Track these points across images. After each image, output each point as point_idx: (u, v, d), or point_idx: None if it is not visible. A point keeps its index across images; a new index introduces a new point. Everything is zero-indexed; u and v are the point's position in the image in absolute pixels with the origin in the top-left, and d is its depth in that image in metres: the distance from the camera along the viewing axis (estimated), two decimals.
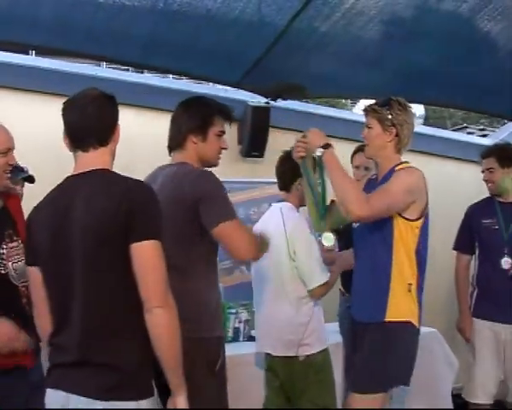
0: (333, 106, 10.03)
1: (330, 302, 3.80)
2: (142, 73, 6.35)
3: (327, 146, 2.98)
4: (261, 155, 5.14)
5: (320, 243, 3.30)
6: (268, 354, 3.53)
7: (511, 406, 4.26)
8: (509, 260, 4.11)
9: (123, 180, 2.21)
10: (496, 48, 3.96)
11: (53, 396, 2.18)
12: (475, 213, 4.35)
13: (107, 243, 2.12)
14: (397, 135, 3.03)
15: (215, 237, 2.68)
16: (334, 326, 4.26)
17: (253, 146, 5.10)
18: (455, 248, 4.45)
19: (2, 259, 2.69)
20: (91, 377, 2.11)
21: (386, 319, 2.96)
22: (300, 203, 3.50)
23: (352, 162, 4.08)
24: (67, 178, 2.28)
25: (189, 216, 2.67)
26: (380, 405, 2.97)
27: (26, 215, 2.48)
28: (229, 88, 4.89)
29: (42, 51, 4.76)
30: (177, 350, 2.16)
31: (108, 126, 2.28)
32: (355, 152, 4.02)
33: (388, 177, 3.01)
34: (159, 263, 2.13)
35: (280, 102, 4.93)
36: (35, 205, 2.32)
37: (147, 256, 2.12)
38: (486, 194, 4.34)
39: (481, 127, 9.76)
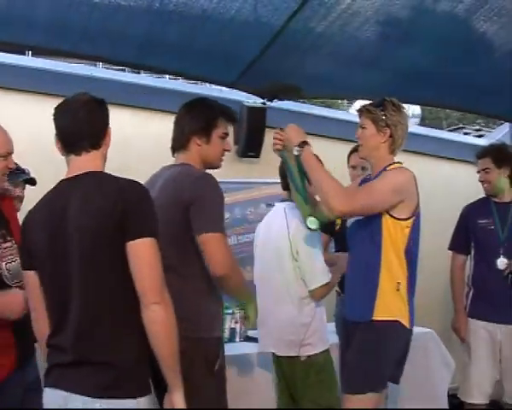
0: (329, 106, 10.04)
1: (327, 303, 3.78)
2: (138, 73, 6.35)
3: (303, 144, 2.99)
4: (257, 156, 5.14)
5: (307, 227, 3.30)
6: (274, 355, 3.55)
7: (507, 406, 4.25)
8: (505, 260, 4.12)
9: (115, 180, 2.23)
10: (492, 48, 3.96)
11: (52, 396, 2.20)
12: (471, 213, 4.36)
13: (104, 243, 2.14)
14: (391, 136, 3.04)
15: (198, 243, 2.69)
16: (331, 326, 4.26)
17: (249, 146, 5.10)
18: (450, 249, 4.46)
19: None
20: (90, 376, 2.13)
21: (374, 318, 2.95)
22: None
23: (348, 162, 4.09)
24: (61, 181, 2.31)
25: (186, 217, 2.68)
26: (374, 405, 2.96)
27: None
28: (224, 88, 4.89)
29: (38, 52, 4.76)
30: (174, 347, 2.18)
31: (100, 130, 2.32)
32: (351, 152, 4.02)
33: (379, 176, 3.03)
34: (154, 260, 2.16)
35: (276, 103, 4.94)
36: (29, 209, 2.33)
37: (142, 254, 2.14)
38: (482, 194, 4.34)
39: (477, 128, 9.78)
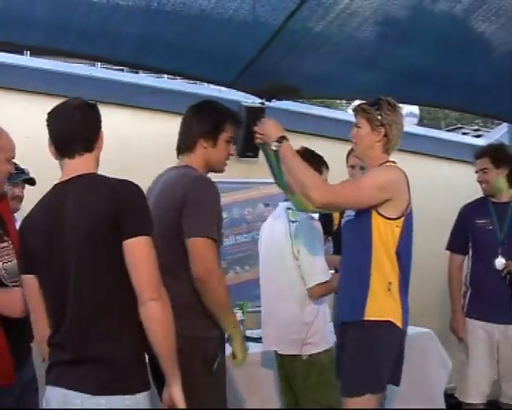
0: (327, 106, 10.05)
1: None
2: (137, 73, 6.35)
3: (281, 139, 2.99)
4: (255, 156, 5.11)
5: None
6: (276, 353, 3.55)
7: (504, 405, 4.26)
8: (503, 260, 4.13)
9: (108, 181, 2.26)
10: (490, 48, 3.96)
11: (53, 393, 2.23)
12: (469, 213, 4.36)
13: (100, 243, 2.17)
14: (385, 135, 3.04)
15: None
16: (329, 326, 4.26)
17: (248, 146, 5.06)
18: (448, 249, 4.46)
19: None
20: (89, 374, 2.15)
21: (365, 318, 2.95)
22: None
23: (347, 162, 4.09)
24: (56, 185, 2.34)
25: (180, 219, 2.68)
26: (371, 406, 2.94)
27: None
28: (223, 88, 4.89)
29: (37, 52, 4.75)
30: (172, 342, 2.20)
31: (93, 133, 2.36)
32: (350, 152, 4.02)
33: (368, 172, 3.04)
34: (150, 257, 2.18)
35: (274, 103, 4.93)
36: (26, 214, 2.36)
37: (138, 252, 2.17)
38: (481, 194, 4.35)
39: (476, 128, 9.79)
